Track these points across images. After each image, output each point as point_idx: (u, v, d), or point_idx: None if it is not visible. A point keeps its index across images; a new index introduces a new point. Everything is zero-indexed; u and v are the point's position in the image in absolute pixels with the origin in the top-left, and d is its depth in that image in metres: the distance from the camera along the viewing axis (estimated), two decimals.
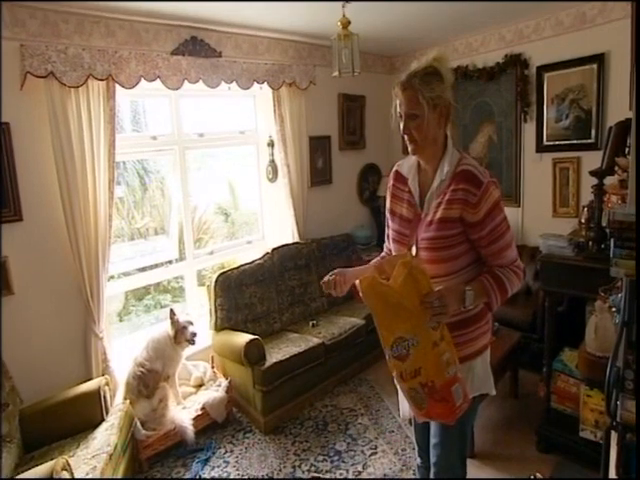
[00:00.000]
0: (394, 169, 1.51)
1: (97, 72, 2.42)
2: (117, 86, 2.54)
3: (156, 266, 3.22)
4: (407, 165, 1.45)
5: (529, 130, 3.52)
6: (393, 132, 4.55)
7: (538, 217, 3.54)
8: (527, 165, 3.59)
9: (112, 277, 2.79)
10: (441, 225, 1.29)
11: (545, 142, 3.41)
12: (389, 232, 1.50)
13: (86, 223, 2.45)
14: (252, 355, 2.64)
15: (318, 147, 3.88)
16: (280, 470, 2.37)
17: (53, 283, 2.46)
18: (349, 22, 2.48)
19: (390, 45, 3.95)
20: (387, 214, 1.51)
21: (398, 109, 1.33)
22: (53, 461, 1.68)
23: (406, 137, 1.34)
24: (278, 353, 2.78)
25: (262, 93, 3.48)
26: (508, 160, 3.70)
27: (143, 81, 2.64)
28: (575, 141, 3.23)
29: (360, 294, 1.24)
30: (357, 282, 1.25)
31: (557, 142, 3.33)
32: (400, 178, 1.46)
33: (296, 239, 3.62)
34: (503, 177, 3.76)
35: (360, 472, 2.32)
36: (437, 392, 1.20)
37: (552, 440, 2.31)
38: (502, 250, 1.29)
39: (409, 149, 1.35)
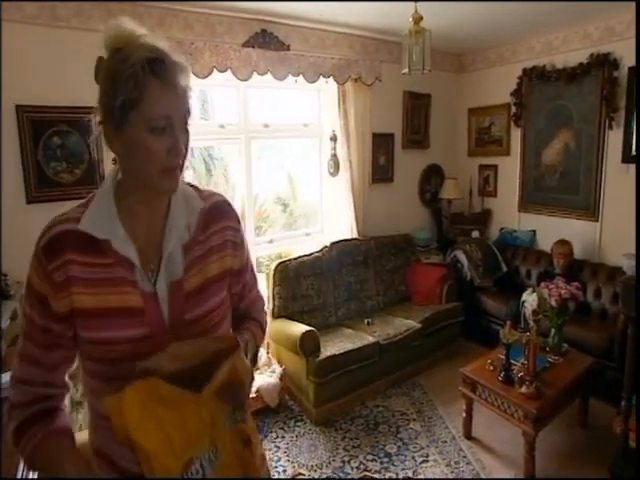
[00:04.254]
0: None
1: None
2: (192, 76, 2.63)
3: None
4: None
5: (615, 138, 3.25)
6: (460, 133, 4.48)
7: (620, 234, 3.20)
8: (610, 176, 3.32)
9: None
10: (206, 292, 0.85)
11: (634, 152, 3.12)
12: None
13: None
14: (307, 346, 2.66)
15: (381, 144, 3.83)
16: (329, 463, 2.38)
17: None
18: (421, 18, 2.38)
19: (459, 42, 3.80)
20: None
21: None
22: None
23: None
24: (333, 347, 2.78)
25: (327, 87, 3.48)
26: (587, 170, 3.44)
27: (214, 71, 2.71)
28: None
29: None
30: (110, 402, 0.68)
31: None
32: None
33: (354, 235, 3.60)
34: (580, 188, 3.50)
35: (410, 478, 2.26)
36: None
37: None
38: (256, 289, 1.05)
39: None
